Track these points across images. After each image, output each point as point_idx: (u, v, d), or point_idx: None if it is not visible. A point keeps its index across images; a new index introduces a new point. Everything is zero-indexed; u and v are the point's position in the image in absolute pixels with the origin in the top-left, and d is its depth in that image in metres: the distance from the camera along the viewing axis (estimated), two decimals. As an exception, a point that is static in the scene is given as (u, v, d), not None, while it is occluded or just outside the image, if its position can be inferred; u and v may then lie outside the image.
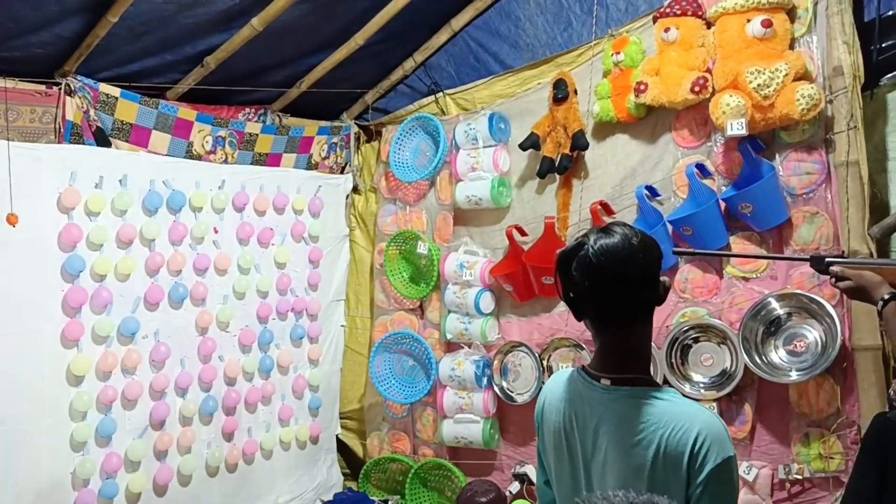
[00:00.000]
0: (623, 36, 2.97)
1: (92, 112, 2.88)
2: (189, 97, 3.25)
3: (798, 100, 2.46)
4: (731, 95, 2.56)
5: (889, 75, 2.54)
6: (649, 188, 2.91)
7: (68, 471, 2.75)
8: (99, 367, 2.84)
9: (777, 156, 2.67)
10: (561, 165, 3.08)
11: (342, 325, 3.90)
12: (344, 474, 3.90)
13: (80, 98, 2.82)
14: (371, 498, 3.66)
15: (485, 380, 3.35)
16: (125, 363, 2.92)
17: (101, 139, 2.91)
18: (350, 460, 3.95)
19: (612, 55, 2.96)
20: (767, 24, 2.51)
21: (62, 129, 2.79)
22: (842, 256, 2.27)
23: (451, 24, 3.49)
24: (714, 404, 2.70)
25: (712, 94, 2.66)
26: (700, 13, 2.72)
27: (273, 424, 3.53)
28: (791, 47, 2.58)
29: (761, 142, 2.67)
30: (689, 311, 2.84)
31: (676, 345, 2.82)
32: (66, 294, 2.74)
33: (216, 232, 3.27)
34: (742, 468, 2.68)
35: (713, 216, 2.73)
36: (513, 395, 3.32)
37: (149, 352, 3.01)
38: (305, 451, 3.69)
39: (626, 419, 1.41)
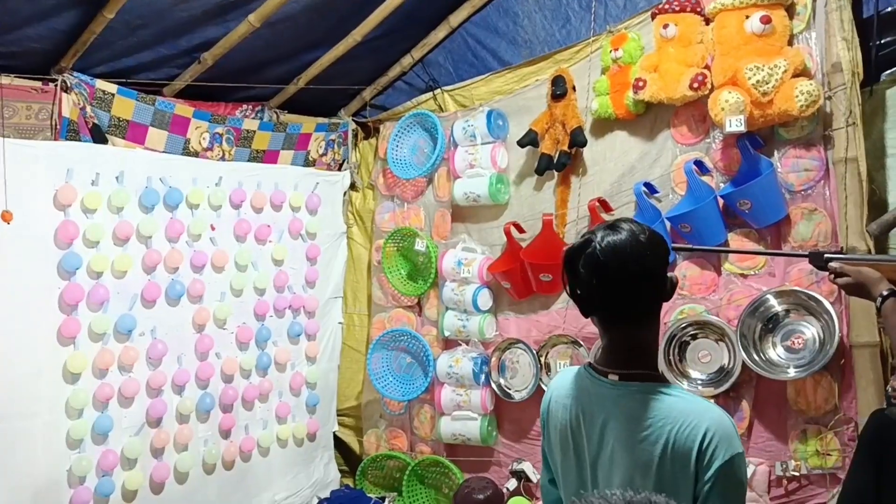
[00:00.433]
0: (622, 32, 2.96)
1: (88, 109, 2.86)
2: (186, 94, 3.24)
3: (797, 96, 2.46)
4: (729, 92, 2.55)
5: (888, 71, 2.54)
6: (647, 185, 2.91)
7: (64, 468, 2.74)
8: (96, 365, 2.83)
9: (775, 152, 2.67)
10: (559, 162, 3.07)
11: (340, 323, 3.89)
12: (341, 471, 3.89)
13: (76, 94, 2.81)
14: (368, 495, 3.66)
15: (482, 377, 3.35)
16: (122, 360, 2.91)
17: (98, 136, 2.90)
18: (347, 457, 3.95)
19: (610, 52, 2.95)
20: (766, 20, 2.50)
21: (58, 126, 2.78)
22: (840, 253, 2.27)
23: (449, 21, 3.48)
24: (712, 401, 2.70)
25: (711, 90, 2.65)
26: (699, 9, 2.71)
27: (270, 422, 3.52)
28: (790, 44, 2.57)
29: (760, 138, 2.67)
30: (687, 308, 2.84)
31: (674, 341, 2.82)
32: (62, 291, 2.73)
33: (213, 229, 3.26)
34: None
35: (711, 213, 2.73)
36: (510, 392, 3.32)
37: (146, 349, 3.00)
38: (303, 449, 3.68)
39: (633, 415, 1.41)
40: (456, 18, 3.47)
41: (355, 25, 3.26)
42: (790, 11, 2.58)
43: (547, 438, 1.62)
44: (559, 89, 3.05)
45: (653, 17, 2.81)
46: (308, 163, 3.75)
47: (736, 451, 1.34)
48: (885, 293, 1.65)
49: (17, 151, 2.60)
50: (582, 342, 3.08)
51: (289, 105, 3.66)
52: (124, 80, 2.98)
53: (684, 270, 2.86)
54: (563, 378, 1.60)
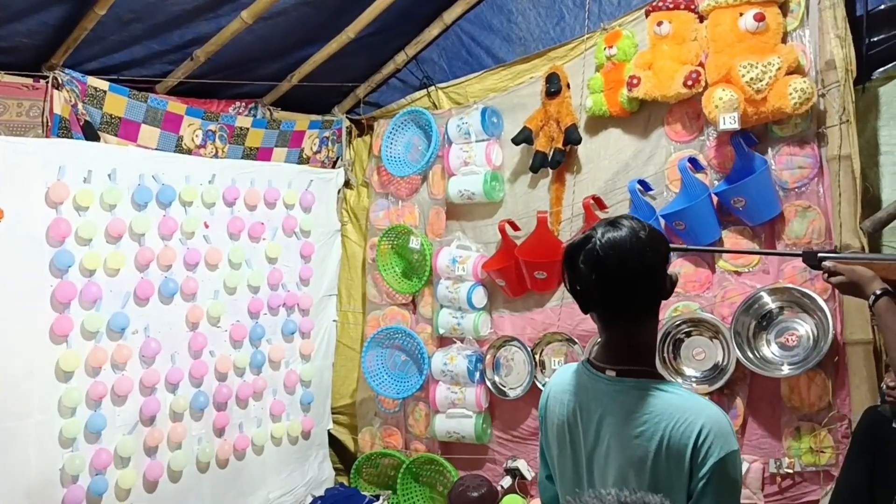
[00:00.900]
0: (616, 30, 2.96)
1: (80, 106, 2.85)
2: (178, 91, 3.23)
3: (790, 94, 2.46)
4: (723, 89, 2.55)
5: (881, 69, 2.55)
6: (642, 182, 2.91)
7: (57, 467, 2.73)
8: (88, 363, 2.82)
9: (769, 150, 2.67)
10: (553, 160, 3.07)
11: (334, 320, 3.88)
12: (336, 469, 3.89)
13: (67, 91, 2.79)
14: (362, 493, 3.66)
15: (477, 374, 3.34)
16: (115, 359, 2.89)
17: (90, 133, 2.88)
18: (342, 455, 3.94)
19: (604, 49, 2.95)
20: (760, 17, 2.50)
21: (50, 123, 2.77)
22: (834, 251, 2.27)
23: (443, 18, 3.47)
24: (708, 398, 2.70)
25: (705, 88, 2.65)
26: (693, 7, 2.71)
27: (264, 420, 3.51)
28: (783, 41, 2.57)
29: (754, 136, 2.67)
30: (681, 306, 2.84)
31: (668, 339, 2.83)
32: (54, 289, 2.72)
33: (206, 227, 3.24)
34: None
35: (705, 210, 2.73)
36: (505, 389, 3.32)
37: (139, 347, 2.98)
38: (297, 447, 3.68)
39: (630, 411, 1.41)
40: (450, 15, 3.46)
41: (349, 22, 3.25)
42: (784, 9, 2.58)
43: (545, 434, 1.62)
44: (553, 87, 3.05)
45: (647, 14, 2.80)
46: (302, 160, 3.73)
47: (731, 448, 1.34)
48: (878, 292, 1.65)
49: (8, 149, 2.59)
50: (576, 340, 3.08)
51: (282, 102, 3.65)
52: (116, 77, 2.96)
53: (679, 268, 2.86)
54: (561, 374, 1.61)
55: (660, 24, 2.73)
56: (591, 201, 2.99)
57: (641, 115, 2.92)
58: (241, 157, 3.44)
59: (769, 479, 2.68)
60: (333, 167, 3.90)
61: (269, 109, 3.61)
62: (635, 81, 2.79)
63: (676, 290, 2.82)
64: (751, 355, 2.65)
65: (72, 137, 2.82)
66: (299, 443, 3.68)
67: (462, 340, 3.42)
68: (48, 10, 2.56)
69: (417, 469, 3.62)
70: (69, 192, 2.75)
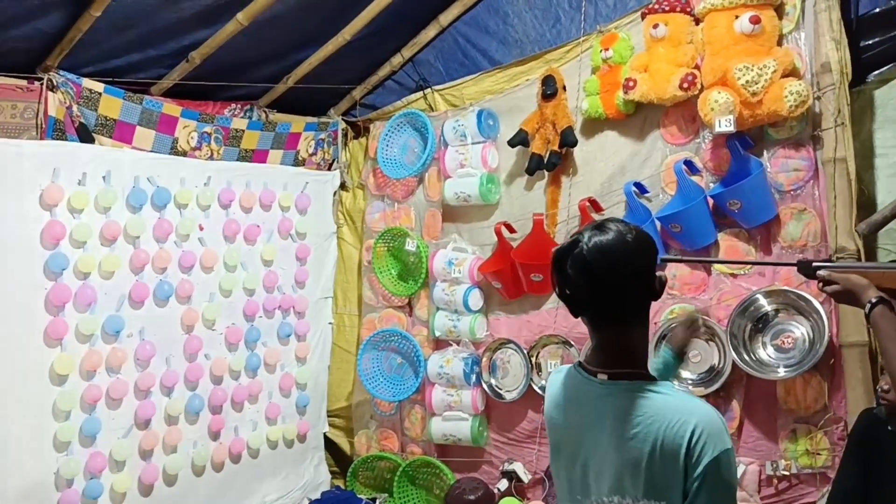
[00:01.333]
0: (612, 32, 2.96)
1: (75, 107, 2.84)
2: (174, 93, 3.22)
3: (786, 96, 2.47)
4: (719, 92, 2.56)
5: (876, 72, 2.55)
6: (638, 185, 2.91)
7: (51, 471, 2.71)
8: (83, 366, 2.80)
9: (765, 152, 2.68)
10: (549, 162, 3.07)
11: (330, 323, 3.87)
12: (332, 473, 3.88)
13: (62, 93, 2.78)
14: (359, 496, 3.65)
15: (473, 377, 3.34)
16: (110, 362, 2.88)
17: (84, 135, 2.87)
18: (338, 458, 3.93)
19: (600, 51, 2.95)
20: (756, 20, 2.51)
21: (44, 125, 2.75)
22: (828, 260, 2.28)
23: (440, 20, 3.47)
24: (702, 399, 2.70)
25: (701, 90, 2.66)
26: (688, 9, 2.71)
27: (260, 423, 3.50)
28: (779, 44, 2.58)
29: (749, 138, 2.68)
30: (677, 308, 2.84)
31: (665, 341, 2.82)
32: (49, 292, 2.70)
33: (202, 229, 3.23)
34: None
35: (701, 213, 2.73)
36: (501, 392, 3.32)
37: (134, 350, 2.97)
38: (293, 450, 3.66)
39: (623, 413, 1.41)
40: (446, 18, 3.46)
41: (345, 24, 3.25)
42: (779, 12, 2.58)
43: (549, 432, 1.63)
44: (549, 89, 3.05)
45: (643, 16, 2.81)
46: (297, 162, 3.73)
47: (724, 447, 1.34)
48: (873, 300, 1.66)
49: (2, 151, 2.57)
50: (573, 342, 3.08)
51: (278, 104, 3.64)
52: (111, 80, 2.95)
53: (674, 270, 2.86)
54: (555, 378, 1.61)
55: (656, 26, 2.73)
56: (587, 203, 2.99)
57: (637, 118, 2.93)
58: (237, 160, 3.44)
59: (765, 482, 2.68)
60: (329, 169, 3.89)
61: (265, 111, 3.60)
62: (631, 84, 2.79)
63: (672, 292, 2.86)
64: (747, 357, 2.65)
65: (66, 139, 2.81)
66: (295, 446, 3.67)
67: (458, 343, 3.42)
68: (44, 15, 2.55)
69: (414, 472, 3.61)
70: (63, 194, 2.74)
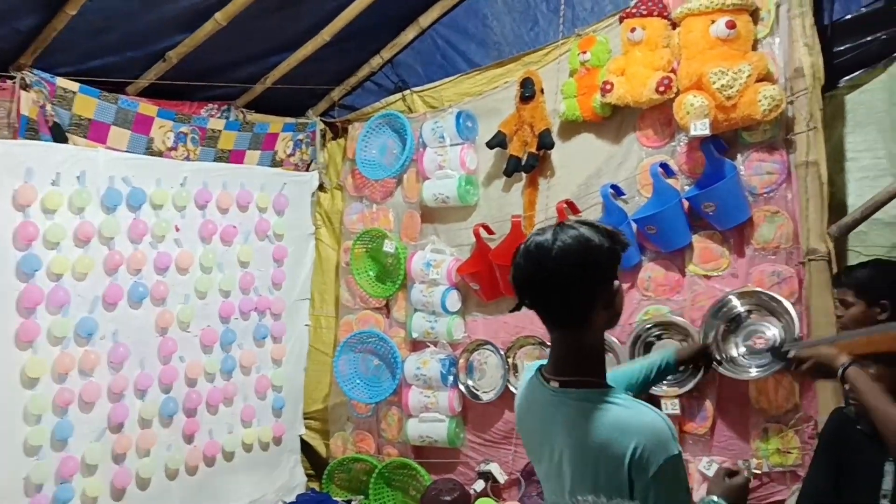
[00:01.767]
0: (589, 35, 2.99)
1: (49, 107, 2.79)
2: (150, 92, 3.18)
3: (760, 101, 2.51)
4: (694, 96, 2.59)
5: (847, 77, 2.60)
6: (614, 187, 2.94)
7: (21, 476, 2.66)
8: (55, 369, 2.75)
9: (739, 156, 2.71)
10: (527, 164, 3.09)
11: (306, 325, 3.85)
12: (307, 475, 3.85)
13: (35, 92, 2.74)
14: (334, 498, 3.63)
15: (450, 378, 3.35)
16: (82, 364, 2.83)
17: (58, 135, 2.83)
18: (314, 461, 3.91)
19: (578, 54, 2.98)
20: (731, 25, 2.54)
21: (17, 125, 2.70)
22: (798, 339, 2.33)
23: (419, 22, 3.48)
24: (676, 400, 2.74)
25: (677, 94, 2.69)
26: (665, 14, 2.75)
27: (235, 426, 3.47)
28: (754, 48, 2.62)
29: (724, 142, 2.71)
30: (652, 309, 2.87)
31: (639, 342, 2.85)
32: (20, 293, 2.65)
33: (177, 230, 3.20)
34: (702, 463, 2.72)
35: (676, 215, 2.77)
36: (478, 393, 3.33)
37: (107, 352, 2.92)
38: (268, 453, 3.63)
39: (570, 422, 1.44)
40: (426, 20, 3.47)
41: (324, 25, 3.24)
42: (754, 17, 2.62)
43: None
44: (528, 91, 3.07)
45: (620, 20, 2.84)
46: (275, 163, 3.70)
47: (668, 454, 1.35)
48: (844, 363, 1.67)
49: (-27, 149, 2.53)
50: (549, 343, 3.09)
51: (255, 104, 3.62)
52: (86, 79, 2.91)
53: (650, 272, 2.89)
54: (523, 381, 1.65)
55: (633, 30, 2.76)
56: (565, 205, 3.01)
57: (614, 121, 2.95)
58: (214, 160, 3.40)
59: (738, 480, 2.71)
60: (307, 170, 3.87)
61: (243, 112, 3.57)
62: (608, 87, 2.81)
63: (647, 293, 2.88)
64: (719, 358, 2.68)
65: (39, 139, 2.76)
66: (270, 448, 3.64)
67: (435, 344, 3.42)
68: (20, 19, 2.52)
69: (390, 474, 3.60)
70: (37, 194, 2.69)
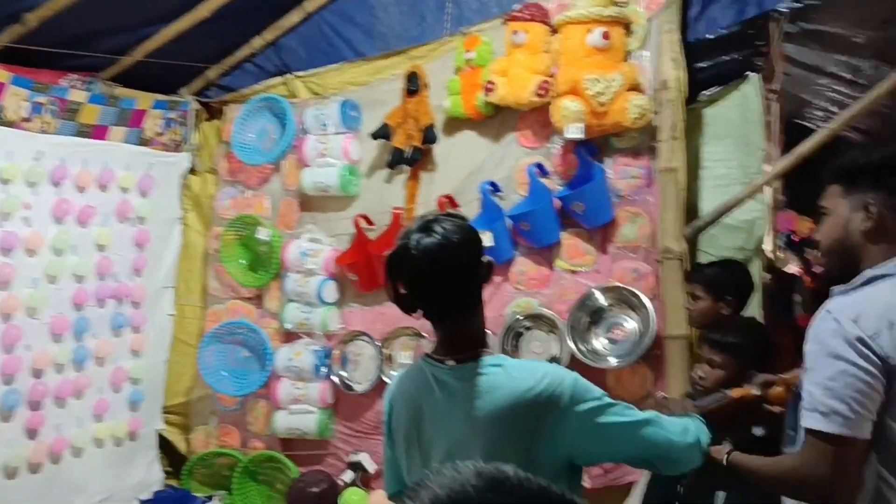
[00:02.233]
0: (474, 35, 3.08)
1: None
2: (3, 57, 2.90)
3: (630, 109, 2.69)
4: (570, 101, 2.74)
5: (706, 92, 2.86)
6: (492, 184, 3.03)
7: None
8: None
9: (607, 160, 2.88)
10: (411, 157, 3.13)
11: (170, 314, 3.66)
12: (166, 472, 3.65)
13: None
14: (194, 495, 3.47)
15: (323, 370, 3.31)
16: (-88, 350, 2.54)
17: None
18: (173, 457, 3.71)
19: (463, 53, 3.06)
20: (607, 36, 2.70)
21: None
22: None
23: (304, 6, 3.40)
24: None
25: (554, 98, 2.82)
26: (547, 20, 2.88)
27: (86, 420, 3.23)
28: (626, 60, 2.80)
29: (595, 146, 2.88)
30: (522, 302, 2.99)
31: (510, 333, 2.97)
32: None
33: (28, 208, 2.94)
34: None
35: (548, 213, 2.91)
36: (352, 384, 3.32)
37: (-59, 338, 2.64)
38: (122, 448, 3.42)
39: (472, 393, 1.49)
40: (312, 4, 3.40)
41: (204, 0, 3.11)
42: (628, 30, 2.80)
43: (392, 446, 1.66)
44: (413, 85, 3.11)
45: (504, 22, 2.95)
46: (143, 141, 3.49)
47: (570, 379, 1.47)
48: (726, 454, 1.74)
49: None
50: (425, 334, 3.14)
51: (124, 78, 3.38)
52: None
53: (521, 267, 3.02)
54: (401, 377, 1.69)
55: (516, 33, 2.88)
56: (445, 200, 3.08)
57: (495, 120, 3.05)
58: (74, 135, 3.15)
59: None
60: (177, 151, 3.68)
61: (108, 85, 3.33)
62: (491, 87, 2.91)
63: (518, 286, 3.01)
64: (583, 348, 2.84)
65: None
66: (125, 444, 3.43)
67: (310, 335, 3.37)
68: None
69: (255, 468, 3.49)
70: None
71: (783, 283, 3.73)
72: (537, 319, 2.95)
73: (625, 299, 2.84)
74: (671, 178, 2.72)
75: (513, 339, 2.97)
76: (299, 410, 3.34)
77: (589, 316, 2.87)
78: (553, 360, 2.90)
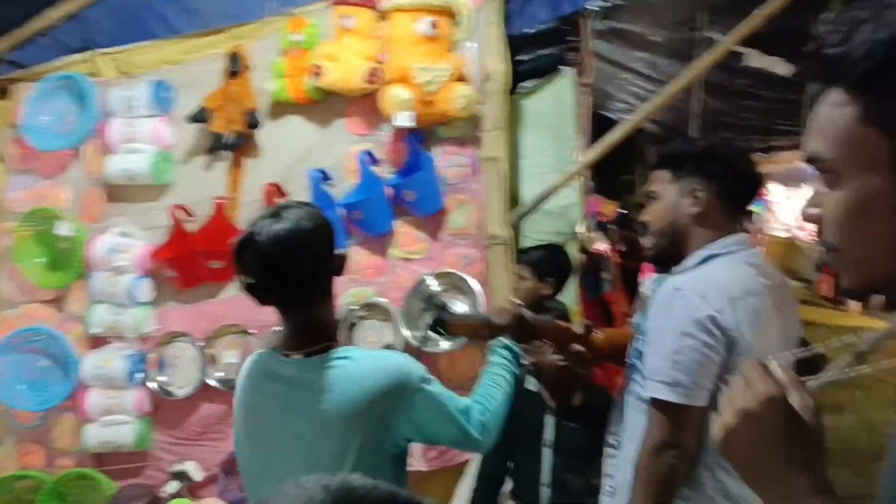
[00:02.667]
0: (301, 16, 2.98)
1: None
2: None
3: (457, 99, 2.74)
4: (400, 88, 2.75)
5: (524, 84, 3.01)
6: (322, 172, 2.97)
7: None
8: None
9: (435, 148, 2.93)
10: (232, 143, 2.97)
11: (-53, 323, 3.19)
12: (-46, 504, 3.19)
13: None
14: (-10, 526, 3.07)
15: (139, 376, 3.07)
16: None
17: None
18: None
19: (289, 34, 2.95)
20: (434, 24, 2.74)
21: None
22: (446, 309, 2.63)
23: (111, -26, 3.13)
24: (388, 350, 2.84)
25: (384, 85, 2.81)
26: (376, 5, 2.86)
27: None
28: (453, 50, 2.84)
29: (424, 134, 2.91)
30: (357, 291, 2.96)
31: (345, 324, 2.93)
32: None
33: None
34: None
35: (381, 202, 2.89)
36: (171, 389, 3.09)
37: None
38: None
39: (322, 387, 1.47)
40: (120, -25, 3.13)
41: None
42: (455, 20, 2.85)
43: (237, 431, 1.62)
44: (235, 66, 2.96)
45: (332, 5, 2.89)
46: None
47: (416, 367, 1.51)
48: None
49: None
50: (253, 331, 3.01)
51: None
52: None
53: (355, 256, 2.97)
54: (246, 369, 1.64)
55: (345, 17, 2.83)
56: (272, 188, 2.96)
57: (324, 105, 2.98)
58: None
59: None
60: (-47, 135, 3.22)
61: None
62: (319, 71, 2.84)
63: (353, 276, 2.97)
64: (417, 334, 2.87)
65: None
66: None
67: (121, 339, 3.10)
68: None
69: (63, 488, 3.14)
70: None
71: (593, 262, 4.06)
72: (372, 308, 2.93)
73: (456, 285, 2.90)
74: (495, 167, 2.82)
75: (347, 330, 2.93)
76: (113, 422, 3.07)
77: (423, 302, 2.90)
78: (387, 347, 2.91)
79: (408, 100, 2.74)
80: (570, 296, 3.06)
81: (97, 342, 3.15)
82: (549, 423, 2.43)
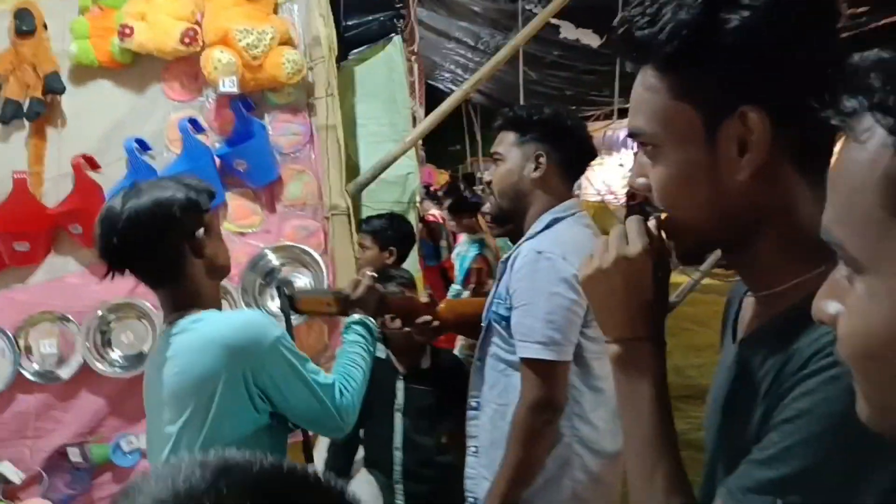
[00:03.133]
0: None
1: None
2: None
3: (284, 63, 2.63)
4: (221, 51, 2.58)
5: (355, 50, 2.92)
6: (139, 141, 2.74)
7: None
8: None
9: (266, 115, 2.81)
10: (31, 111, 2.67)
11: None
12: None
13: None
14: None
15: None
16: None
17: None
18: None
19: (88, -10, 2.66)
20: (257, -17, 2.59)
21: None
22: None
23: None
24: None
25: (203, 47, 2.64)
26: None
27: None
28: (275, 12, 2.72)
29: (252, 101, 2.77)
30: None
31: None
32: None
33: None
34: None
35: (209, 173, 2.71)
36: (-25, 387, 2.79)
37: None
38: None
39: (176, 352, 1.49)
40: None
41: None
42: (275, -18, 2.72)
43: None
44: (26, 25, 2.63)
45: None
46: None
47: (274, 327, 1.50)
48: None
49: None
50: (72, 317, 2.77)
51: None
52: None
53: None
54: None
55: (153, -27, 2.59)
56: (82, 160, 2.70)
57: (136, 69, 2.75)
58: None
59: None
60: None
61: None
62: (127, 31, 2.60)
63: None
64: (258, 309, 2.78)
65: None
66: None
67: (-88, 336, 2.73)
68: None
69: None
70: None
71: (430, 230, 4.11)
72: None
73: (297, 258, 2.83)
74: (331, 135, 2.76)
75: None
76: None
77: (262, 277, 2.80)
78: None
79: (230, 63, 2.58)
80: (411, 264, 3.08)
81: None
82: (400, 387, 2.47)
